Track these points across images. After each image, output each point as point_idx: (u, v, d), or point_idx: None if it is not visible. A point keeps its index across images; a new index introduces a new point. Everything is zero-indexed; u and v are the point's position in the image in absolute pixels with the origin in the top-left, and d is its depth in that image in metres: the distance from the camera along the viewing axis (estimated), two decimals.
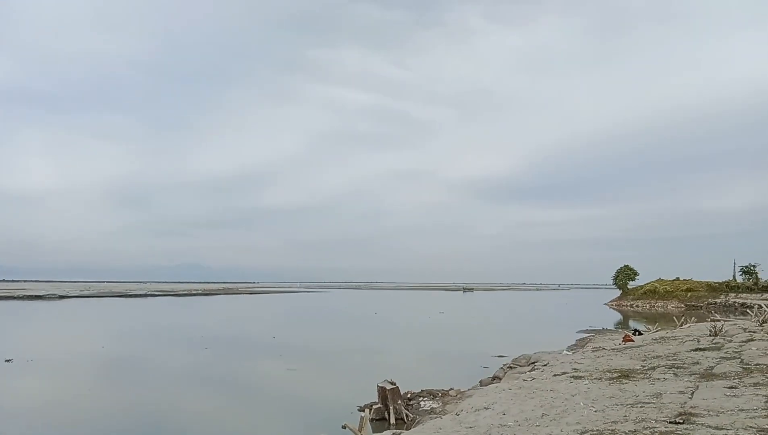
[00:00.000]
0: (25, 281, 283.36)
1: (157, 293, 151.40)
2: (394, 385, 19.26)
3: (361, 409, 18.88)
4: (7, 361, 30.03)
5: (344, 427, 16.99)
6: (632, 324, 56.47)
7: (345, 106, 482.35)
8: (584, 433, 9.17)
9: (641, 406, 11.02)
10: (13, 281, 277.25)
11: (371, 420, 18.01)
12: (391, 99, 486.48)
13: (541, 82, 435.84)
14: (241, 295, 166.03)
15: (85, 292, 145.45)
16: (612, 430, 9.10)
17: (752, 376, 13.38)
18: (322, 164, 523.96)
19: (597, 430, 9.28)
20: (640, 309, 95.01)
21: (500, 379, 23.28)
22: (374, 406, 19.12)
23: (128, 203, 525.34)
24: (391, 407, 18.71)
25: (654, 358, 18.81)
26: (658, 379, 14.40)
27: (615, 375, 15.54)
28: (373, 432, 15.87)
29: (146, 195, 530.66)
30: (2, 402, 21.43)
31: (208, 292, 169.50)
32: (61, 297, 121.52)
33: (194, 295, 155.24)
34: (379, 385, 19.43)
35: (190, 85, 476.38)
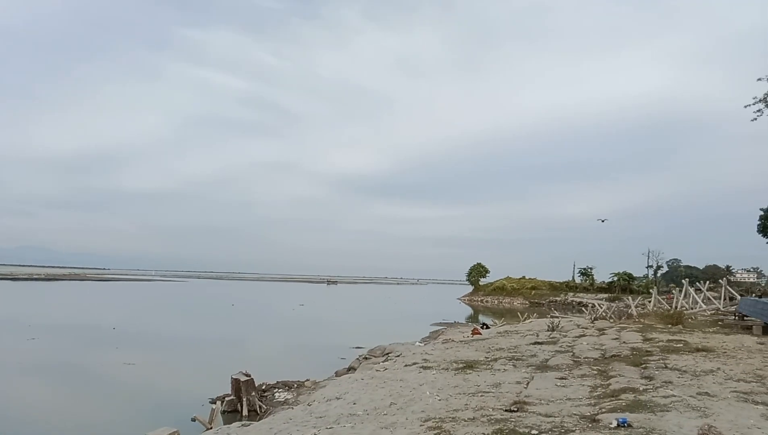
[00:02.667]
0: None
1: None
2: (249, 376, 18.89)
3: (213, 402, 18.34)
4: None
5: (194, 420, 16.41)
6: (481, 318, 60.07)
7: (216, 90, 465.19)
8: (427, 420, 9.52)
9: (482, 395, 11.67)
10: None
11: (224, 412, 17.63)
12: (266, 88, 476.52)
13: (413, 85, 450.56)
14: (89, 281, 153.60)
15: None
16: (453, 418, 9.53)
17: (581, 368, 14.68)
18: (188, 148, 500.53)
19: (439, 417, 9.68)
20: (489, 304, 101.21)
21: (355, 369, 23.62)
22: (227, 398, 18.66)
23: None
24: (244, 399, 18.33)
25: (497, 350, 20.06)
26: (498, 369, 15.36)
27: (461, 366, 16.35)
28: (225, 424, 15.40)
29: None
30: None
31: (51, 278, 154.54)
32: None
33: (35, 279, 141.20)
34: (233, 377, 18.96)
35: (43, 53, 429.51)
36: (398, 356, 22.96)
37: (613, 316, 36.36)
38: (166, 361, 28.28)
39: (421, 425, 9.22)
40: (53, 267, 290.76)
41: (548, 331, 26.57)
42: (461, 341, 25.95)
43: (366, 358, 26.59)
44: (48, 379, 23.34)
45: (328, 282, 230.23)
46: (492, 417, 9.40)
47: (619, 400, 10.18)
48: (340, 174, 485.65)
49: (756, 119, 31.30)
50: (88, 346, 32.15)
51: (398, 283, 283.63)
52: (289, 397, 19.63)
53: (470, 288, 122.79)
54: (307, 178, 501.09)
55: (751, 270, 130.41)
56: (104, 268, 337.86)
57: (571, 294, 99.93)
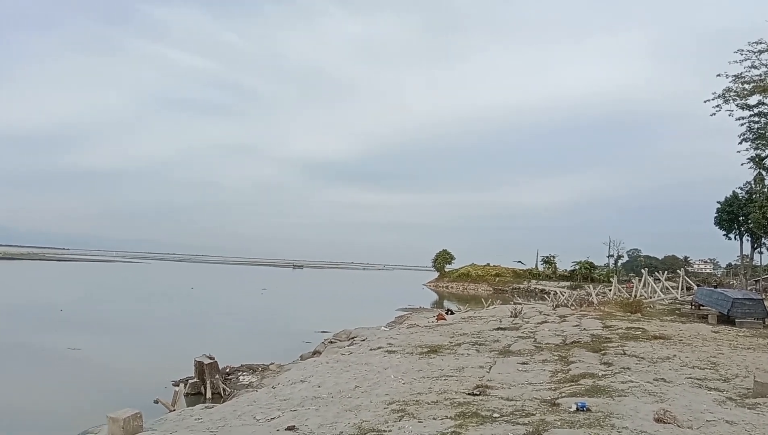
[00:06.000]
0: None
1: None
2: (213, 359, 18.73)
3: (176, 384, 18.15)
4: None
5: (156, 402, 16.20)
6: (446, 304, 60.56)
7: (179, 69, 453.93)
8: (391, 403, 9.60)
9: (445, 379, 11.81)
10: None
11: (187, 395, 17.44)
12: (231, 69, 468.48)
13: (379, 71, 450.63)
14: (48, 261, 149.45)
15: None
16: (416, 401, 9.63)
17: (542, 354, 14.98)
18: (149, 127, 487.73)
19: (403, 400, 9.77)
20: (454, 290, 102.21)
21: (320, 353, 23.58)
22: (190, 381, 18.48)
23: None
24: (208, 382, 18.19)
25: (461, 335, 20.30)
26: (462, 354, 15.56)
27: (425, 350, 16.51)
28: (188, 406, 15.25)
29: None
30: None
31: (8, 257, 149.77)
32: None
33: None
34: (197, 359, 18.78)
35: None
36: (363, 340, 23.04)
37: (574, 303, 37.10)
38: (120, 345, 27.38)
39: (385, 408, 9.30)
40: (11, 246, 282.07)
41: (511, 317, 26.97)
42: (426, 326, 26.16)
43: (331, 342, 26.59)
44: None
45: (294, 266, 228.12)
46: (455, 400, 9.53)
47: (579, 384, 10.42)
48: (305, 158, 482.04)
49: (715, 114, 32.12)
50: (26, 329, 30.28)
51: (364, 269, 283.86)
52: (253, 380, 19.53)
53: (436, 274, 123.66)
54: (271, 161, 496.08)
55: (708, 261, 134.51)
56: (64, 249, 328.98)
57: (534, 281, 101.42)
